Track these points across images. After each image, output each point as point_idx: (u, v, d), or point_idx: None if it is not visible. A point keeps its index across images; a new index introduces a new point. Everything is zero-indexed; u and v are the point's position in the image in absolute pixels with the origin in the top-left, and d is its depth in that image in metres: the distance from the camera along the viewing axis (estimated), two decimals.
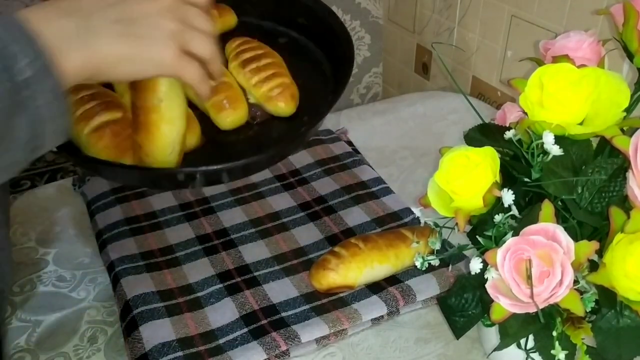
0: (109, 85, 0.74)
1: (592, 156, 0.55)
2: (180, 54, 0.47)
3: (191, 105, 0.68)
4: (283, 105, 0.74)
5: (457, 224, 0.54)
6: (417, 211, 0.60)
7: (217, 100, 0.71)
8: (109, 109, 0.66)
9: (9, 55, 0.38)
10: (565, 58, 0.56)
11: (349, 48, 0.76)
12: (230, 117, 0.72)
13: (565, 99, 0.52)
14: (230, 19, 0.88)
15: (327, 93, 0.76)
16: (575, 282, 0.49)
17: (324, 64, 0.82)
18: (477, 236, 0.54)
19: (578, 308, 0.48)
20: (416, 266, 0.59)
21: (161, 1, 0.47)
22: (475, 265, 0.52)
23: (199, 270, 0.77)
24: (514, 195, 0.52)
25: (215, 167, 0.60)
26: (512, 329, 0.52)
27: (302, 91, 0.76)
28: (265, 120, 0.74)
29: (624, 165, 0.51)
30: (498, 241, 0.52)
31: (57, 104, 0.41)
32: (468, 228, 0.57)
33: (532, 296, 0.47)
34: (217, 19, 0.85)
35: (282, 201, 0.89)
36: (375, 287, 0.74)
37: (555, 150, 0.51)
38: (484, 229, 0.54)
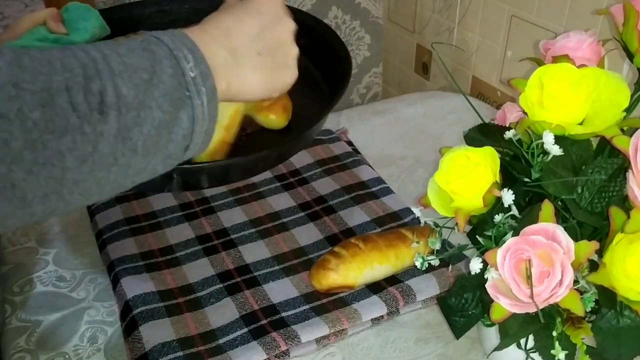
0: None
1: (592, 156, 0.55)
2: None
3: None
4: (274, 117, 0.75)
5: (457, 224, 0.54)
6: (417, 211, 0.60)
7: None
8: None
9: (179, 56, 0.44)
10: (565, 58, 0.56)
11: (348, 64, 0.76)
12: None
13: (565, 99, 0.52)
14: None
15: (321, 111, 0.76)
16: (575, 282, 0.49)
17: (321, 85, 0.82)
18: (477, 236, 0.54)
19: (578, 308, 0.48)
20: (416, 266, 0.59)
21: (290, 27, 0.54)
22: (475, 265, 0.52)
23: (199, 270, 0.77)
24: (514, 195, 0.52)
25: (192, 166, 0.59)
26: (512, 329, 0.52)
27: (297, 108, 0.76)
28: (255, 131, 0.74)
29: (624, 165, 0.51)
30: (498, 241, 0.52)
31: (210, 106, 0.45)
32: (468, 228, 0.57)
33: (532, 296, 0.47)
34: None
35: (282, 201, 0.89)
36: (375, 287, 0.74)
37: (555, 150, 0.51)
38: (484, 229, 0.54)
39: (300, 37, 0.87)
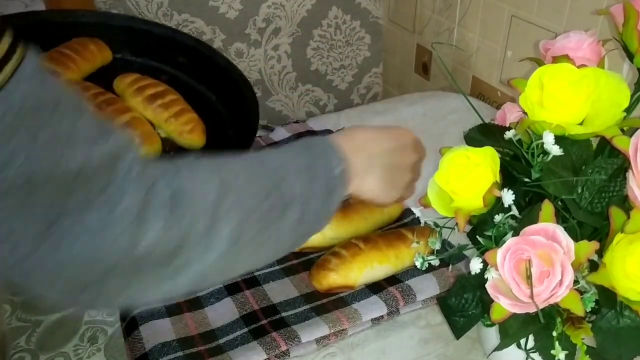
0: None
1: (592, 156, 0.55)
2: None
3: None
4: (197, 139, 0.81)
5: (457, 224, 0.54)
6: (417, 211, 0.60)
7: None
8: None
9: (327, 155, 0.52)
10: (565, 58, 0.56)
11: (247, 87, 0.88)
12: (145, 152, 0.76)
13: (565, 99, 0.52)
14: (106, 55, 0.94)
15: (224, 124, 0.87)
16: (575, 282, 0.49)
17: (207, 95, 0.91)
18: (477, 236, 0.54)
19: (578, 308, 0.48)
20: (416, 266, 0.59)
21: (413, 159, 0.60)
22: (476, 266, 0.52)
23: None
24: (514, 195, 0.52)
25: None
26: (512, 329, 0.52)
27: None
28: (177, 153, 0.77)
29: (624, 165, 0.51)
30: (498, 241, 0.52)
31: (336, 199, 0.52)
32: (468, 228, 0.57)
33: (532, 296, 0.47)
34: (97, 54, 0.91)
35: None
36: (375, 287, 0.74)
37: (555, 150, 0.51)
38: (484, 229, 0.54)
39: (181, 56, 0.96)
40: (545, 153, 0.52)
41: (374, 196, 0.59)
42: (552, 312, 0.51)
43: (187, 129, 0.81)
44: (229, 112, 0.90)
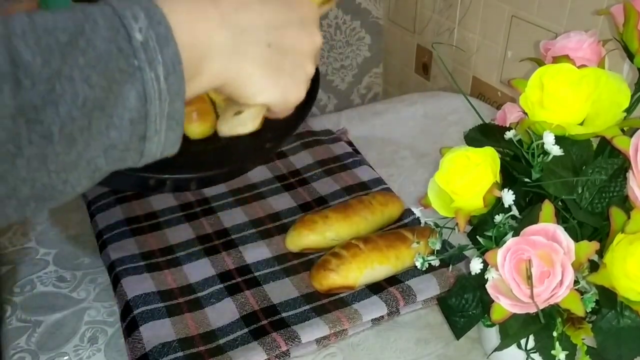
0: None
1: (593, 156, 0.55)
2: None
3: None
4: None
5: (457, 224, 0.54)
6: (417, 211, 0.60)
7: (188, 112, 0.73)
8: None
9: (125, 14, 0.34)
10: (566, 58, 0.56)
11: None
12: (198, 129, 0.74)
13: (566, 99, 0.52)
14: None
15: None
16: (576, 282, 0.49)
17: None
18: (478, 236, 0.54)
19: (578, 308, 0.48)
20: (416, 266, 0.59)
21: (316, 42, 0.45)
22: (476, 266, 0.52)
23: (199, 270, 0.77)
24: (514, 196, 0.52)
25: (183, 175, 0.62)
26: (513, 330, 0.52)
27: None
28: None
29: (624, 166, 0.51)
30: (498, 241, 0.52)
31: (171, 81, 0.36)
32: (468, 228, 0.57)
33: (532, 296, 0.47)
34: None
35: (282, 201, 0.89)
36: (375, 288, 0.74)
37: (556, 150, 0.51)
38: (484, 229, 0.54)
39: None
40: (546, 153, 0.52)
41: (263, 92, 0.43)
42: (553, 313, 0.51)
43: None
44: None
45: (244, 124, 0.48)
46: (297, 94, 0.45)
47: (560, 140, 0.52)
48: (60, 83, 0.32)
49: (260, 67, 0.42)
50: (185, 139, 0.76)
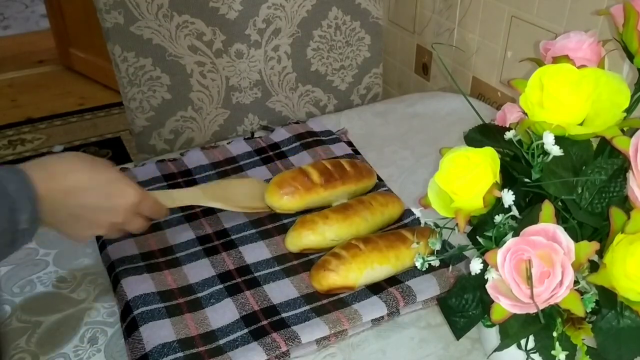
0: None
1: (592, 156, 0.55)
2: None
3: None
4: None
5: (457, 224, 0.54)
6: (417, 212, 0.60)
7: None
8: None
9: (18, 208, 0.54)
10: (566, 58, 0.56)
11: None
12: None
13: (566, 99, 0.52)
14: None
15: None
16: (576, 282, 0.49)
17: None
18: (478, 237, 0.54)
19: (578, 308, 0.48)
20: (416, 267, 0.59)
21: (113, 220, 0.65)
22: (476, 266, 0.52)
23: (199, 270, 0.77)
24: (514, 196, 0.52)
25: None
26: (513, 330, 0.52)
27: None
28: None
29: (624, 166, 0.51)
30: (498, 242, 0.52)
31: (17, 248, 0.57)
32: (468, 229, 0.57)
33: (532, 297, 0.47)
34: None
35: None
36: (375, 288, 0.74)
37: (556, 150, 0.51)
38: (484, 230, 0.54)
39: None
40: (546, 153, 0.52)
41: (62, 233, 0.63)
42: (553, 313, 0.51)
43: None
44: None
45: None
46: (80, 239, 0.67)
47: (560, 140, 0.52)
48: None
49: (63, 224, 0.62)
50: None
